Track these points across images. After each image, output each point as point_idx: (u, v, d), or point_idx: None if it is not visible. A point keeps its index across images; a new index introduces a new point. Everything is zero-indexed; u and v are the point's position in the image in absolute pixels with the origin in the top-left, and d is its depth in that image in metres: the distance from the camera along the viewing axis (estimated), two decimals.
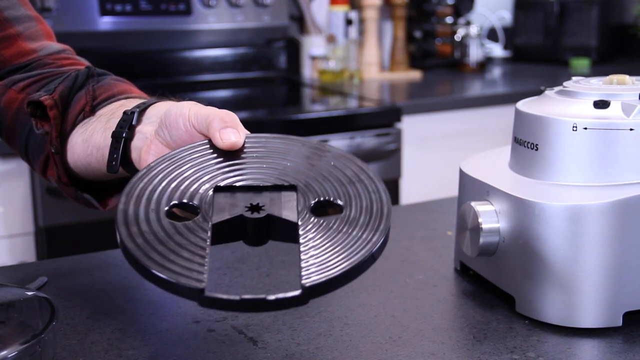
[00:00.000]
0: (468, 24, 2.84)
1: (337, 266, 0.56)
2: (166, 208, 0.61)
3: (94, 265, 0.91)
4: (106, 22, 2.26)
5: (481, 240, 0.74)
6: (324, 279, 0.55)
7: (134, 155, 0.75)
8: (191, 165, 0.66)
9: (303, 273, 0.55)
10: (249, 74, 2.55)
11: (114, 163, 0.75)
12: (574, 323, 0.70)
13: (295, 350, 0.68)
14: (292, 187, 0.63)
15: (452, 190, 0.92)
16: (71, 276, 0.87)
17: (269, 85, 2.56)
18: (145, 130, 0.74)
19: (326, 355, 0.67)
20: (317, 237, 0.58)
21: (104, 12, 2.25)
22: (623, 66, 2.79)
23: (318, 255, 0.57)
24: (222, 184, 0.64)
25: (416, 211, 1.10)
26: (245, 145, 0.67)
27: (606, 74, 0.81)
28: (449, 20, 2.82)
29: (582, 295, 0.69)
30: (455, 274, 0.85)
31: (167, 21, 2.35)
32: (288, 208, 0.61)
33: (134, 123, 0.75)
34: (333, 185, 0.63)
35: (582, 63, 2.78)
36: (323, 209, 0.62)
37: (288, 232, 0.60)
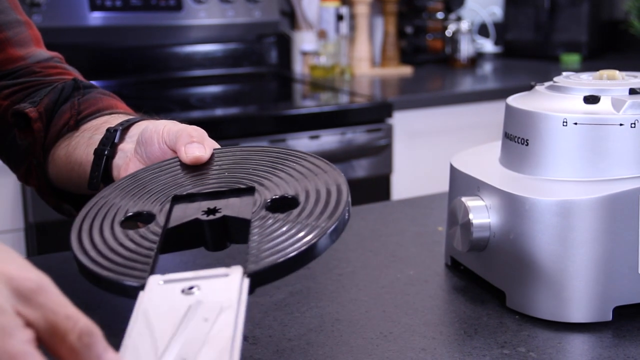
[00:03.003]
0: (459, 19, 2.84)
1: (285, 251, 0.54)
2: (122, 218, 0.62)
3: None
4: (96, 18, 2.25)
5: (472, 235, 0.74)
6: (269, 264, 0.53)
7: (115, 173, 0.75)
8: (153, 180, 0.67)
9: (249, 259, 0.54)
10: (240, 70, 2.54)
11: (94, 180, 0.75)
12: (564, 318, 0.70)
13: (286, 345, 0.68)
14: (250, 190, 0.63)
15: (442, 185, 0.92)
16: (61, 272, 0.86)
17: (260, 80, 2.56)
18: (126, 149, 0.74)
19: (317, 351, 0.67)
20: (269, 228, 0.57)
21: (94, 7, 2.24)
22: (613, 62, 2.80)
23: (267, 243, 0.55)
24: (180, 193, 0.64)
25: (407, 207, 1.10)
26: (212, 159, 0.68)
27: (596, 69, 0.81)
28: (439, 15, 2.82)
29: (572, 290, 0.70)
30: (446, 270, 0.85)
31: (157, 16, 2.34)
32: (243, 208, 0.61)
33: (116, 141, 0.75)
34: (290, 182, 0.63)
35: (573, 58, 2.78)
36: (281, 206, 0.61)
37: (244, 231, 0.59)
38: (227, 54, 2.53)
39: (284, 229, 0.57)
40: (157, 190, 0.65)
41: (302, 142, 1.97)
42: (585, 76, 0.80)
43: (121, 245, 0.58)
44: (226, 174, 0.66)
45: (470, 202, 0.75)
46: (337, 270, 0.85)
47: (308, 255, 0.55)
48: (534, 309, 0.71)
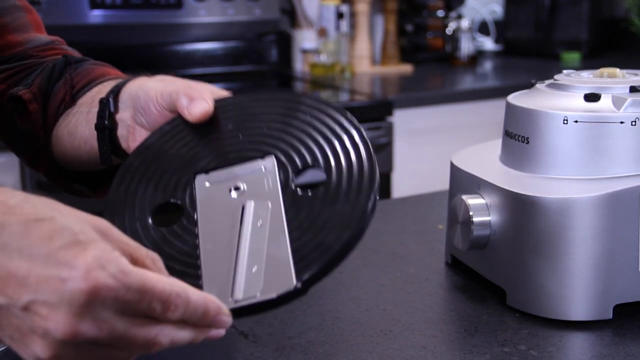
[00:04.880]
0: (459, 17, 2.84)
1: (329, 246, 0.54)
2: (150, 216, 0.60)
3: None
4: (96, 16, 2.25)
5: (472, 233, 0.74)
6: (321, 265, 0.53)
7: (123, 144, 0.73)
8: (166, 155, 0.64)
9: (297, 262, 0.54)
10: (240, 68, 2.54)
11: (105, 156, 0.74)
12: (565, 316, 0.70)
13: (286, 343, 0.68)
14: (271, 158, 0.61)
15: (443, 183, 0.92)
16: None
17: (260, 79, 2.56)
18: (124, 117, 0.73)
19: (317, 349, 0.67)
20: (303, 217, 0.56)
21: (94, 5, 2.24)
22: (614, 60, 2.80)
23: (309, 239, 0.55)
24: (199, 169, 0.62)
25: (407, 205, 1.10)
26: (220, 113, 0.65)
27: (597, 67, 0.81)
28: (440, 13, 2.82)
29: (573, 288, 0.70)
30: (446, 268, 0.85)
31: (157, 14, 2.34)
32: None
33: (112, 110, 0.73)
34: (312, 146, 0.61)
35: (573, 57, 2.78)
36: (305, 173, 0.60)
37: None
38: (228, 52, 2.52)
39: (322, 214, 0.56)
40: (174, 167, 0.62)
41: None
42: (586, 74, 0.80)
43: (162, 252, 0.55)
44: (241, 137, 0.63)
45: (470, 200, 0.75)
46: (338, 268, 0.85)
47: (352, 243, 0.55)
48: (535, 307, 0.71)
